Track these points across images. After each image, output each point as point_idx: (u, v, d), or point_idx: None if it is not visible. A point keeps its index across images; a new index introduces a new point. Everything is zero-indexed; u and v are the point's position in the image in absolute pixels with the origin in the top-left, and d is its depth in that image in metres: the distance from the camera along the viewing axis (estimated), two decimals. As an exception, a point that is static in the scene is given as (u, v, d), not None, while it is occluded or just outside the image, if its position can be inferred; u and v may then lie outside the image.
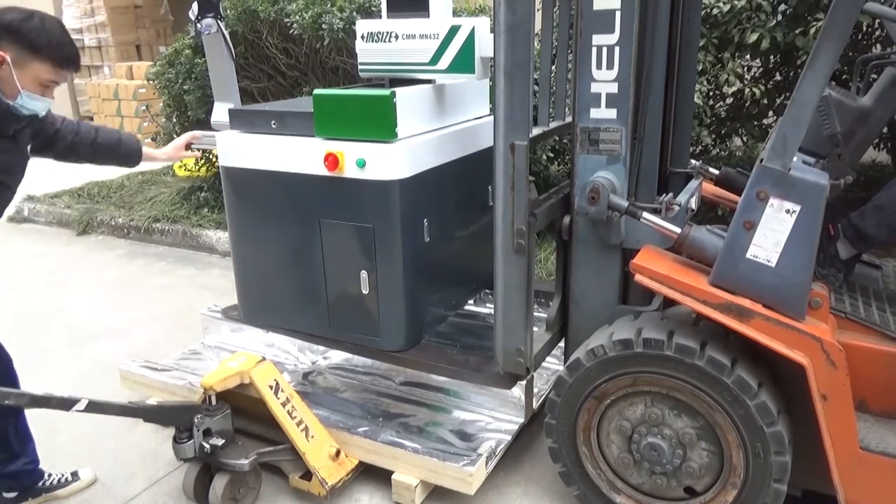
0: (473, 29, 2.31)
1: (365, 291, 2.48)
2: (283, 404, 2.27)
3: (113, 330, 3.70)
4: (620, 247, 2.16)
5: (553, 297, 2.41)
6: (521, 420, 2.43)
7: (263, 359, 2.34)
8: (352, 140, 2.36)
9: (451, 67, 2.38)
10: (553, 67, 2.47)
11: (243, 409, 2.33)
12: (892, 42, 2.15)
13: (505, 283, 2.16)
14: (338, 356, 2.78)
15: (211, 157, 5.55)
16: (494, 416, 2.48)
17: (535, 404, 2.50)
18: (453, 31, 2.34)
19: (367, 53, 2.52)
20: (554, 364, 2.71)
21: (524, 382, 2.38)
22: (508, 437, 2.38)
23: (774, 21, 3.51)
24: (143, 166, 7.97)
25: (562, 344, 2.49)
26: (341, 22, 4.27)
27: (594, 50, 2.00)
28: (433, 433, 2.40)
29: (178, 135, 5.25)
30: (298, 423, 2.27)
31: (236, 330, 2.97)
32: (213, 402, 2.22)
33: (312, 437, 2.28)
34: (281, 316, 2.74)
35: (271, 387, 2.27)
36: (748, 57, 3.89)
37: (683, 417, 1.93)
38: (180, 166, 6.04)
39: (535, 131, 2.28)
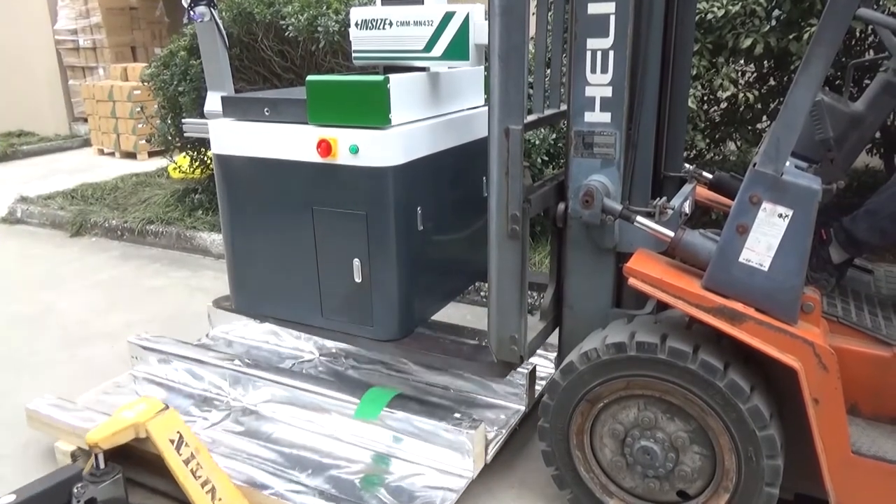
0: (468, 15, 2.31)
1: (358, 280, 2.47)
2: (187, 461, 2.01)
3: (106, 332, 3.68)
4: (614, 250, 2.16)
5: (546, 288, 2.40)
6: (471, 475, 2.25)
7: (166, 407, 2.12)
8: (345, 127, 2.36)
9: (446, 54, 2.38)
10: (547, 71, 2.48)
11: (146, 457, 2.06)
12: (885, 48, 2.16)
13: (499, 269, 2.15)
14: (276, 395, 2.59)
15: (205, 158, 5.54)
16: (440, 467, 2.28)
17: (489, 454, 2.35)
18: (448, 17, 2.34)
19: (360, 41, 2.52)
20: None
21: (473, 445, 2.24)
22: (453, 496, 2.17)
23: (768, 26, 3.53)
24: (137, 167, 7.94)
25: (552, 351, 2.49)
26: (336, 24, 4.27)
27: (588, 54, 2.01)
28: (366, 491, 2.21)
29: (173, 136, 5.30)
30: (203, 484, 2.01)
31: (164, 360, 2.85)
32: (101, 463, 1.93)
33: (220, 499, 2.03)
34: (273, 305, 2.74)
35: (173, 441, 2.01)
36: (742, 62, 3.91)
37: (676, 421, 1.93)
38: (175, 168, 6.02)
39: (530, 118, 2.28)
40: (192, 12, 3.03)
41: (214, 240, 4.85)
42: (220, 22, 3.07)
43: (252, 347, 3.09)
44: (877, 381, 1.93)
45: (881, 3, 3.30)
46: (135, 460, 2.18)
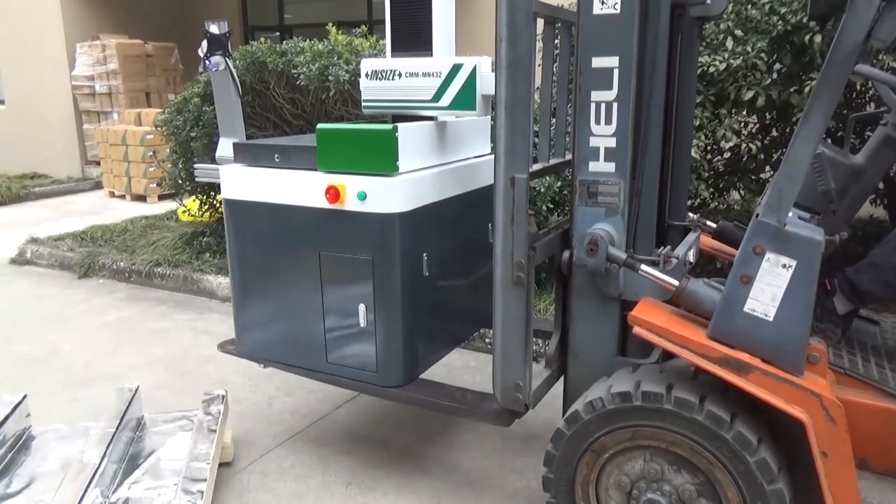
0: (475, 67, 2.37)
1: (363, 325, 2.47)
2: None
3: (110, 374, 3.67)
4: (619, 298, 2.16)
5: (552, 335, 2.40)
6: None
7: None
8: (354, 173, 2.40)
9: (453, 105, 2.44)
10: (553, 120, 2.53)
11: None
12: (884, 102, 2.20)
13: (504, 316, 2.16)
14: None
15: (214, 202, 5.61)
16: None
17: None
18: (455, 69, 2.40)
19: (370, 90, 2.58)
20: None
21: None
22: None
23: (769, 79, 3.60)
24: (147, 210, 8.03)
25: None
26: (347, 74, 4.38)
27: (593, 106, 2.05)
28: None
29: (184, 180, 5.38)
30: None
31: None
32: None
33: None
34: (278, 349, 2.73)
35: None
36: (745, 113, 3.97)
37: (683, 473, 1.91)
38: (184, 211, 6.10)
39: (536, 166, 2.32)
40: (207, 62, 3.12)
41: (221, 283, 4.88)
42: (234, 71, 3.16)
43: None
44: (886, 435, 1.91)
45: (880, 58, 3.36)
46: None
